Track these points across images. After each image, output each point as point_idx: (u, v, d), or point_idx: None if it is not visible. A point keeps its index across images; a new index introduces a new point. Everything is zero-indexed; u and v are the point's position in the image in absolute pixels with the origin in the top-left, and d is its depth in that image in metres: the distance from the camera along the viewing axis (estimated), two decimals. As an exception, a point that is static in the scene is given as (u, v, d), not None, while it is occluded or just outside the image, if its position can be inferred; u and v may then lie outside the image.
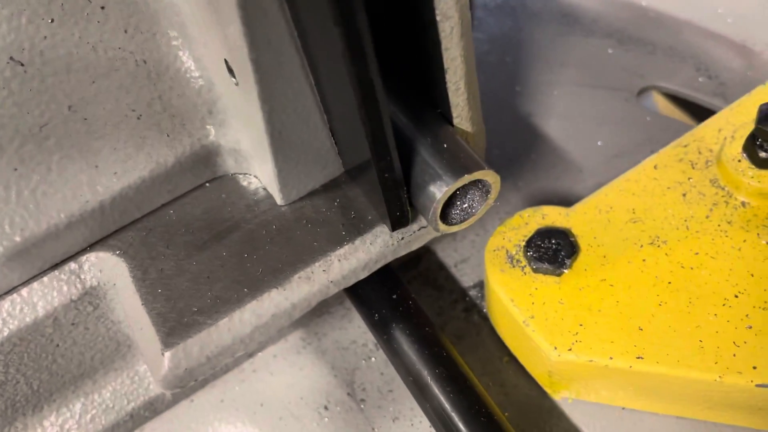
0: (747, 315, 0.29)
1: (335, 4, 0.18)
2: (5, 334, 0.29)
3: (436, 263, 0.39)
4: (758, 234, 0.31)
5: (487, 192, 0.27)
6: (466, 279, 0.38)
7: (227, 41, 0.25)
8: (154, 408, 0.35)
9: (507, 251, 0.33)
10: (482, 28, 0.47)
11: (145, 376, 0.35)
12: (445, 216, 0.27)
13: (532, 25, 0.47)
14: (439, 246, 0.39)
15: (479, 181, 0.27)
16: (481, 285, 0.37)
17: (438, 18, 0.24)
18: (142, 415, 0.35)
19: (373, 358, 0.36)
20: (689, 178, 0.33)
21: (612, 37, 0.45)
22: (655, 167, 0.34)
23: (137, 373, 0.35)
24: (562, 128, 0.42)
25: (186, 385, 0.27)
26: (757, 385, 0.28)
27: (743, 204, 0.32)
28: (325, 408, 0.35)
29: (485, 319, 0.36)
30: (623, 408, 0.32)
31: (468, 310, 0.37)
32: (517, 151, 0.41)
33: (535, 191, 0.40)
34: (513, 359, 0.34)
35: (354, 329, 0.37)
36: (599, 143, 0.41)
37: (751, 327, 0.29)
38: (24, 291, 0.29)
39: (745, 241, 0.31)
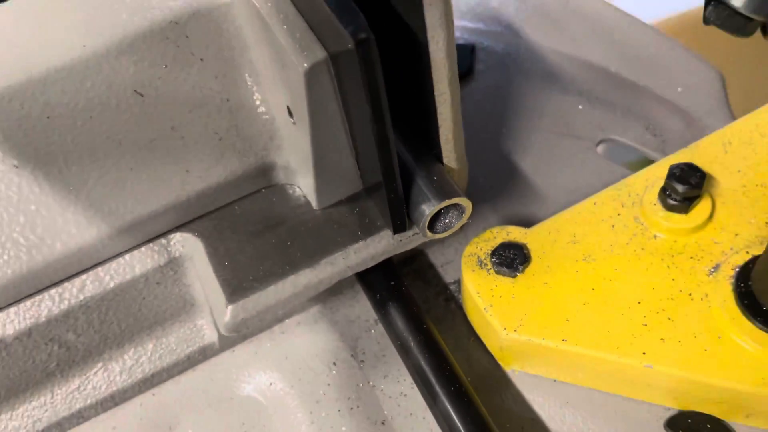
0: (644, 316, 0.40)
1: (369, 92, 0.30)
2: (111, 286, 0.41)
3: (427, 263, 0.50)
4: (662, 259, 0.42)
5: (462, 212, 0.39)
6: (448, 276, 0.49)
7: (293, 97, 0.36)
8: (205, 353, 0.47)
9: (478, 257, 0.44)
10: (480, 80, 0.59)
11: (201, 328, 0.46)
12: (431, 227, 0.39)
13: (520, 80, 0.58)
14: (430, 250, 0.51)
15: (457, 204, 0.38)
16: (459, 282, 0.49)
17: (435, 94, 0.35)
18: (196, 358, 0.46)
19: (372, 331, 0.48)
20: (618, 214, 0.44)
21: (583, 96, 0.57)
22: (594, 203, 0.45)
23: (196, 325, 0.46)
24: (534, 165, 0.53)
25: (240, 330, 0.39)
26: (645, 365, 0.39)
27: (655, 236, 0.43)
28: (334, 364, 0.46)
29: (460, 308, 0.48)
30: (555, 380, 0.43)
31: (447, 300, 0.48)
32: (498, 181, 0.52)
33: (508, 213, 0.51)
34: (477, 339, 0.46)
35: (360, 308, 0.48)
36: (561, 180, 0.52)
37: (646, 325, 0.40)
38: (127, 256, 0.41)
39: (652, 263, 0.42)
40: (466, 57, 0.59)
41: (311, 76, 0.33)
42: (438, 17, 0.32)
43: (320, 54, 0.33)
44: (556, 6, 0.62)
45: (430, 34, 0.32)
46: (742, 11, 0.30)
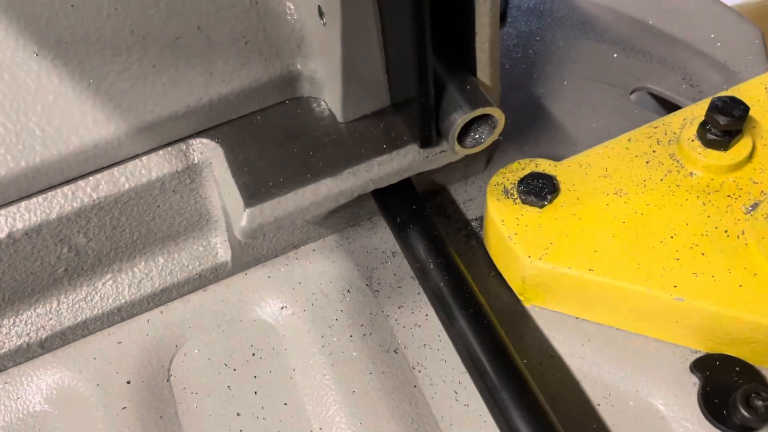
0: (677, 250, 0.38)
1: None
2: (126, 188, 0.40)
3: (449, 199, 0.49)
4: (697, 196, 0.40)
5: (494, 127, 0.37)
6: (470, 213, 0.48)
7: (328, 3, 0.35)
8: (217, 273, 0.45)
9: (504, 186, 0.42)
10: (514, 25, 0.57)
11: (215, 247, 0.45)
12: (461, 140, 0.37)
13: (554, 27, 0.57)
14: (453, 187, 0.49)
15: (489, 117, 0.37)
16: (481, 219, 0.47)
17: (475, 2, 0.34)
18: (207, 277, 0.45)
19: (389, 262, 0.46)
20: (653, 151, 0.43)
21: (618, 45, 0.55)
22: (629, 140, 0.44)
23: (210, 243, 0.45)
24: (566, 110, 0.51)
25: (257, 236, 0.38)
26: (675, 298, 0.37)
27: (691, 174, 0.41)
28: (348, 291, 0.45)
29: (481, 244, 0.46)
30: (576, 318, 0.42)
31: (468, 236, 0.47)
32: (527, 123, 0.51)
33: (536, 154, 0.49)
34: (498, 275, 0.44)
35: (377, 239, 0.47)
36: (594, 125, 0.50)
37: (678, 259, 0.38)
38: (144, 158, 0.40)
39: (687, 200, 0.40)
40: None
41: (348, -36, 0.32)
42: None
43: (359, -60, 0.32)
44: None
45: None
46: None
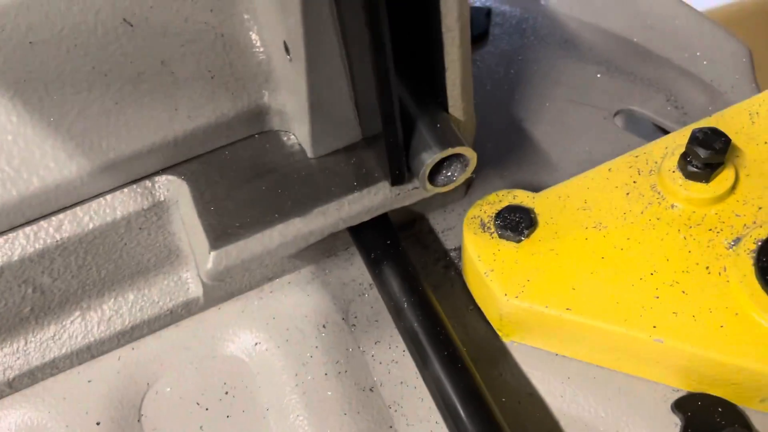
0: (657, 288, 0.37)
1: (368, 14, 0.27)
2: (90, 227, 0.39)
3: (427, 228, 0.47)
4: (678, 230, 0.39)
5: (466, 165, 0.36)
6: (449, 243, 0.47)
7: (288, 28, 0.34)
8: (189, 308, 0.44)
9: (481, 219, 0.41)
10: (495, 44, 0.56)
11: (186, 281, 0.44)
12: (432, 179, 0.36)
13: (537, 46, 0.55)
14: (431, 215, 0.48)
15: (461, 155, 0.36)
16: (460, 249, 0.46)
17: (443, 30, 0.32)
18: (179, 313, 0.44)
19: (366, 295, 0.45)
20: (634, 182, 0.42)
21: (601, 65, 0.54)
22: (609, 170, 0.42)
23: (180, 278, 0.44)
24: (547, 133, 0.50)
25: (223, 279, 0.37)
26: (655, 339, 0.36)
27: (672, 206, 0.40)
28: (323, 326, 0.43)
29: (459, 275, 0.45)
30: (556, 354, 0.41)
31: (447, 267, 0.46)
32: (507, 147, 0.50)
33: (516, 180, 0.48)
34: (476, 308, 0.43)
35: (354, 270, 0.46)
36: (576, 149, 0.49)
37: (657, 297, 0.37)
38: (108, 197, 0.39)
39: (667, 233, 0.39)
40: (481, 20, 0.56)
41: (308, 2, 0.31)
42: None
43: (320, -21, 0.30)
44: None
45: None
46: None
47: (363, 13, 0.27)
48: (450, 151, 0.34)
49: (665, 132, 0.50)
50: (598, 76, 0.53)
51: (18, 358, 0.42)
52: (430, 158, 0.34)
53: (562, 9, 0.58)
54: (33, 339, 0.42)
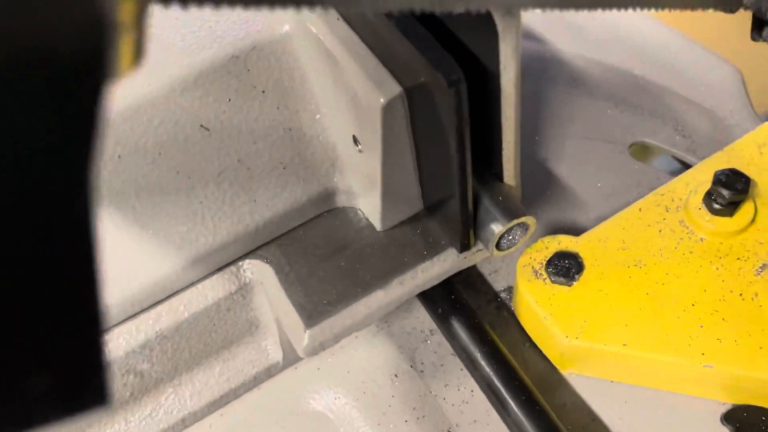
0: (699, 317, 0.42)
1: (457, 127, 0.31)
2: (185, 316, 0.42)
3: (476, 272, 0.52)
4: (710, 261, 0.44)
5: (526, 229, 0.40)
6: (497, 285, 0.51)
7: (361, 127, 0.37)
8: (269, 372, 0.48)
9: (532, 267, 0.46)
10: (510, 88, 0.60)
11: (266, 348, 0.47)
12: (498, 245, 0.40)
13: (548, 88, 0.60)
14: (480, 263, 0.52)
15: (522, 222, 0.40)
16: (509, 289, 0.50)
17: (503, 119, 0.36)
18: (261, 378, 0.48)
19: (428, 341, 0.49)
20: (664, 219, 0.46)
21: (610, 100, 0.58)
22: (639, 209, 0.47)
23: (260, 346, 0.47)
24: (570, 171, 0.55)
25: (318, 352, 0.40)
26: (705, 365, 0.41)
27: (701, 240, 0.45)
28: (396, 376, 0.48)
29: (512, 314, 0.49)
30: (612, 381, 0.45)
31: (499, 308, 0.50)
32: (536, 189, 0.54)
33: (549, 219, 0.53)
34: (532, 344, 0.47)
35: (414, 319, 0.50)
36: (599, 185, 0.54)
37: (702, 326, 0.42)
38: (200, 285, 0.42)
39: (701, 266, 0.44)
40: (493, 66, 0.60)
41: (387, 110, 0.35)
42: (511, 50, 0.33)
43: (396, 89, 0.34)
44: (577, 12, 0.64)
45: (502, 65, 0.34)
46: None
47: (454, 128, 0.31)
48: (515, 222, 0.38)
49: (678, 161, 0.55)
50: (609, 111, 0.58)
51: (120, 437, 0.45)
52: (498, 229, 0.38)
53: (565, 48, 0.62)
54: (132, 419, 0.45)
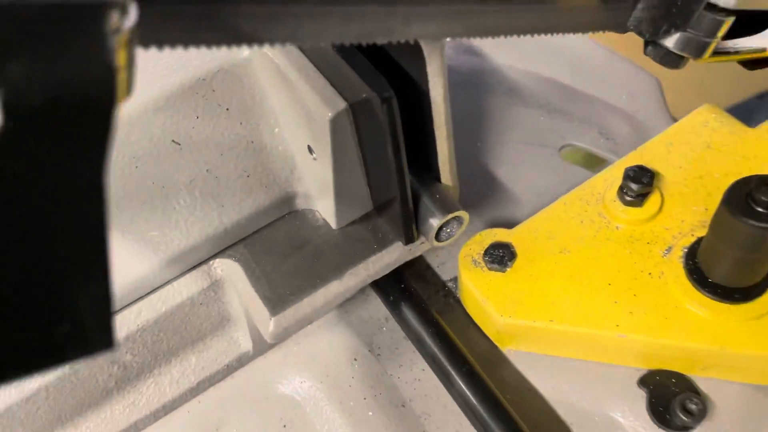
0: (615, 295, 0.49)
1: (391, 136, 0.37)
2: (163, 310, 0.47)
3: (425, 264, 0.58)
4: (624, 246, 0.51)
5: (461, 223, 0.46)
6: (444, 275, 0.57)
7: (314, 138, 0.43)
8: (241, 361, 0.53)
9: (472, 257, 0.52)
10: (454, 100, 0.66)
11: (237, 340, 0.52)
12: (437, 237, 0.46)
13: (488, 98, 0.66)
14: (426, 254, 0.58)
15: (458, 216, 0.46)
16: (455, 279, 0.56)
17: (435, 128, 0.43)
18: (233, 366, 0.53)
19: (384, 328, 0.55)
20: (585, 211, 0.53)
21: (543, 108, 0.65)
22: (564, 203, 0.53)
23: (232, 337, 0.52)
24: (508, 173, 0.61)
25: (283, 338, 0.46)
26: (619, 335, 0.47)
27: (617, 228, 0.52)
28: (355, 360, 0.53)
29: (457, 301, 0.55)
30: (544, 355, 0.52)
31: (446, 296, 0.56)
32: (479, 190, 0.60)
33: (490, 216, 0.59)
34: (475, 327, 0.53)
35: (371, 308, 0.56)
36: (533, 184, 0.60)
37: (616, 302, 0.48)
38: (175, 283, 0.47)
39: (617, 251, 0.51)
40: (438, 79, 0.67)
41: (335, 123, 0.40)
42: (437, 69, 0.39)
43: (341, 104, 0.40)
44: None
45: (431, 82, 0.40)
46: (674, 51, 0.38)
47: (389, 137, 0.37)
48: (450, 216, 0.44)
49: (601, 160, 0.62)
50: (541, 118, 0.65)
51: (107, 425, 0.50)
52: (436, 223, 0.44)
53: (503, 61, 0.69)
54: (117, 407, 0.50)
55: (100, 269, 0.21)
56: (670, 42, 0.38)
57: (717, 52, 0.41)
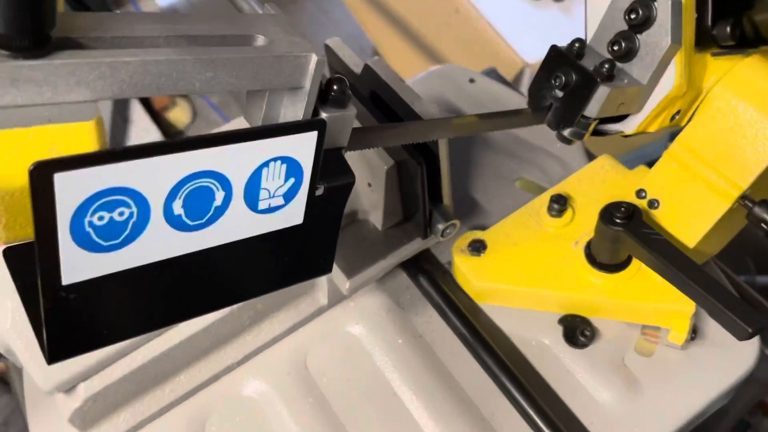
0: (546, 270, 0.83)
1: (421, 181, 0.71)
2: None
3: (432, 253, 0.91)
4: (552, 242, 0.85)
5: (455, 226, 0.80)
6: (443, 260, 0.91)
7: (373, 179, 0.77)
8: (320, 311, 0.86)
9: (460, 248, 0.86)
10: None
11: (317, 298, 0.86)
12: (442, 235, 0.80)
13: (470, 146, 1.01)
14: (433, 248, 0.92)
15: (453, 222, 0.80)
16: (449, 263, 0.90)
17: (441, 173, 0.77)
18: (316, 314, 0.86)
19: (407, 292, 0.88)
20: (529, 221, 0.87)
21: (504, 152, 1.00)
22: (517, 216, 0.88)
23: (315, 297, 0.86)
24: (482, 196, 0.95)
25: (355, 291, 0.79)
26: (547, 292, 0.82)
27: (548, 231, 0.86)
28: (389, 311, 0.87)
29: (452, 275, 0.89)
30: (504, 306, 0.86)
31: (445, 273, 0.90)
32: (465, 208, 0.95)
33: (471, 222, 0.93)
34: (462, 290, 0.87)
35: (399, 280, 0.89)
36: (500, 203, 0.95)
37: (546, 273, 0.83)
38: (289, 261, 0.81)
39: (548, 245, 0.85)
40: (436, 133, 1.01)
41: (387, 172, 0.74)
42: (443, 144, 0.73)
43: (391, 161, 0.74)
44: (474, 88, 1.06)
45: (441, 150, 0.74)
46: (567, 137, 0.73)
47: (419, 181, 0.71)
48: (450, 222, 0.79)
49: (542, 189, 0.96)
50: (504, 159, 0.99)
51: (242, 348, 0.83)
52: (442, 226, 0.78)
53: (479, 120, 1.03)
54: (248, 338, 0.83)
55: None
56: (566, 132, 0.72)
57: (597, 132, 0.75)
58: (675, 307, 0.78)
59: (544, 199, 0.89)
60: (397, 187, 0.77)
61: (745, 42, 0.76)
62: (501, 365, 0.78)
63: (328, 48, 0.86)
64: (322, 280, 0.84)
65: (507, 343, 0.83)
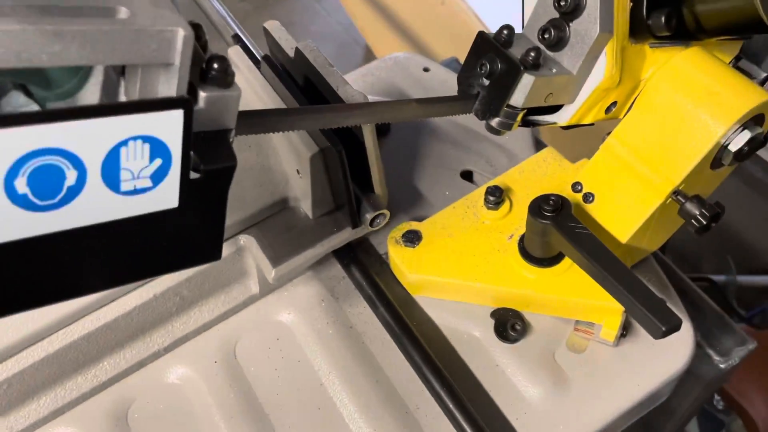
0: (478, 262, 0.81)
1: (341, 167, 0.70)
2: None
3: (368, 243, 0.90)
4: (487, 234, 0.83)
5: (385, 216, 0.79)
6: (380, 249, 0.89)
7: (300, 166, 0.75)
8: (252, 299, 0.85)
9: (395, 238, 0.84)
10: (393, 135, 0.99)
11: (249, 287, 0.84)
12: (370, 224, 0.79)
13: (417, 134, 0.99)
14: (370, 236, 0.91)
15: (383, 212, 0.79)
16: (386, 253, 0.89)
17: (369, 160, 0.75)
18: (247, 303, 0.85)
19: (341, 282, 0.87)
20: (466, 212, 0.86)
21: (450, 143, 0.98)
22: (454, 207, 0.86)
23: (246, 285, 0.84)
24: (425, 186, 0.94)
25: (281, 282, 0.78)
26: (478, 285, 0.80)
27: (484, 222, 0.84)
28: (323, 300, 0.85)
29: (387, 266, 0.88)
30: (437, 298, 0.84)
31: (381, 263, 0.88)
32: (405, 197, 0.93)
33: (413, 214, 0.91)
34: (397, 281, 0.86)
35: (333, 270, 0.87)
36: (442, 194, 0.93)
37: (478, 266, 0.81)
38: (216, 248, 0.79)
39: (483, 236, 0.83)
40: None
41: (312, 159, 0.73)
42: (368, 131, 0.72)
43: (315, 148, 0.73)
44: (427, 77, 1.04)
45: (366, 137, 0.72)
46: (495, 127, 0.71)
47: (340, 169, 0.70)
48: (377, 212, 0.77)
49: (486, 180, 0.95)
50: (449, 149, 0.98)
51: (169, 335, 0.82)
52: (369, 216, 0.77)
53: (428, 110, 1.02)
54: (176, 325, 0.82)
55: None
56: (493, 122, 0.70)
57: (526, 123, 0.74)
58: (606, 303, 0.77)
59: (482, 191, 0.87)
60: (324, 175, 0.76)
61: (686, 33, 0.74)
62: (426, 359, 0.76)
63: (265, 31, 0.84)
64: (253, 269, 0.83)
65: (438, 336, 0.82)
